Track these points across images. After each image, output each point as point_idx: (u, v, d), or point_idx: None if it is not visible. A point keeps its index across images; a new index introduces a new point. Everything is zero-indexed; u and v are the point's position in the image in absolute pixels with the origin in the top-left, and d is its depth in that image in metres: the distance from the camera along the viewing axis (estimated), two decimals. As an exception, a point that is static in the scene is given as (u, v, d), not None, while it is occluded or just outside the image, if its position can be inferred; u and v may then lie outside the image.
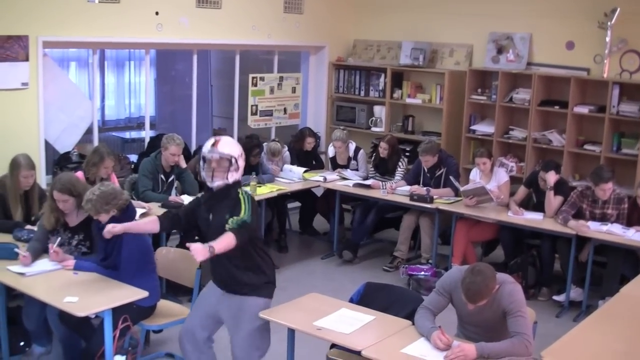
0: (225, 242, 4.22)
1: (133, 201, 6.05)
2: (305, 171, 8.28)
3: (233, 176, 4.43)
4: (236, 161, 4.43)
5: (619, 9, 7.74)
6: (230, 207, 4.39)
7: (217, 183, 4.42)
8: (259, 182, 7.60)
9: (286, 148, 8.61)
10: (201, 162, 4.50)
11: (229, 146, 4.46)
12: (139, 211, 6.01)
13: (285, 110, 9.61)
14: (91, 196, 4.75)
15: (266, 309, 4.53)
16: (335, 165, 8.72)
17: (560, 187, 7.03)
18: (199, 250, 4.11)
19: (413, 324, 4.31)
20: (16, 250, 5.04)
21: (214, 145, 4.43)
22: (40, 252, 5.15)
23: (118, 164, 6.99)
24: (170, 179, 7.10)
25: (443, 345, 3.99)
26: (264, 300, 4.56)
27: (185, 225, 4.85)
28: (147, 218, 4.89)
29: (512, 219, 7.02)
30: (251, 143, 7.68)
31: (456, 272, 4.31)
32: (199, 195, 4.79)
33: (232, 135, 9.21)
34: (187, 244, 4.22)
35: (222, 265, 4.51)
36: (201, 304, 4.73)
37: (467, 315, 4.29)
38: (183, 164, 7.07)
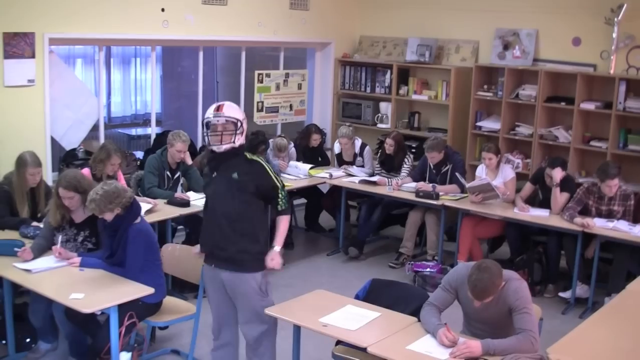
0: (283, 230, 4.65)
1: (139, 197, 6.07)
2: (311, 168, 8.28)
3: (239, 139, 4.48)
4: (241, 124, 4.47)
5: (625, 5, 7.71)
6: (239, 168, 4.47)
7: (225, 147, 4.46)
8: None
9: (292, 144, 8.60)
10: (204, 128, 4.52)
11: (234, 110, 4.50)
12: (145, 207, 6.03)
13: (291, 106, 9.61)
14: (94, 196, 4.75)
15: (263, 280, 4.59)
16: (341, 161, 8.72)
17: (567, 184, 7.02)
18: (277, 260, 4.57)
19: (419, 320, 4.31)
20: (15, 249, 5.05)
21: (218, 109, 4.47)
22: (45, 248, 5.16)
23: (125, 161, 6.99)
24: (176, 175, 7.11)
25: (449, 342, 3.98)
26: (259, 274, 4.59)
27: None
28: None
29: (518, 216, 7.00)
30: (257, 139, 7.67)
31: (462, 268, 4.31)
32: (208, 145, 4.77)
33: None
34: (267, 263, 4.54)
35: (219, 230, 4.53)
36: (215, 296, 4.74)
37: (473, 312, 4.29)
38: (189, 161, 7.08)
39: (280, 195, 4.57)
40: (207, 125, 4.48)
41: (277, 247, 4.58)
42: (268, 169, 4.55)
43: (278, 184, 4.56)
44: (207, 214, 4.67)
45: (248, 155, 4.56)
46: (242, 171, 4.48)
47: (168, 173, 7.04)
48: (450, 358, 3.88)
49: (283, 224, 4.65)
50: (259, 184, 4.50)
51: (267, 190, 4.54)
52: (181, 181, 7.26)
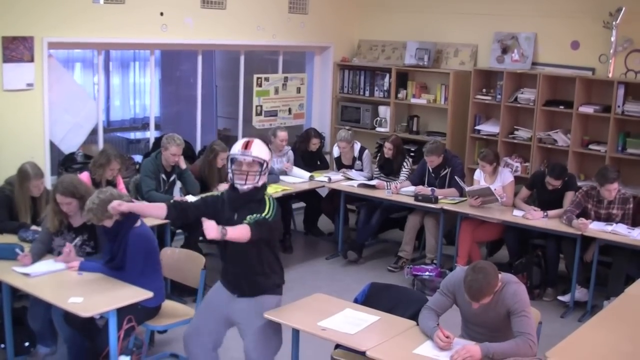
0: (240, 231, 4.19)
1: (137, 202, 6.05)
2: (310, 176, 8.25)
3: (263, 180, 4.43)
4: (267, 165, 4.43)
5: (624, 9, 7.73)
6: (256, 208, 4.38)
7: (248, 186, 4.39)
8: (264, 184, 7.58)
9: (290, 148, 8.60)
10: (229, 163, 4.45)
11: (262, 150, 4.43)
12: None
13: (290, 110, 9.61)
14: (91, 205, 4.75)
15: (277, 306, 4.55)
16: (340, 165, 8.71)
17: (570, 182, 7.12)
18: (212, 228, 4.06)
19: (418, 324, 4.31)
20: (17, 250, 5.05)
21: (246, 147, 4.39)
22: (43, 252, 5.17)
23: (124, 166, 6.98)
24: (172, 178, 7.12)
25: (444, 343, 3.99)
26: (276, 298, 4.57)
27: (193, 218, 4.56)
28: (156, 204, 4.79)
29: (517, 219, 7.00)
30: None
31: (460, 272, 4.31)
32: (218, 193, 4.71)
33: (236, 136, 9.22)
34: (203, 219, 4.14)
35: (237, 267, 4.49)
36: (210, 307, 4.69)
37: (471, 316, 4.29)
38: (183, 165, 7.06)
39: (256, 214, 4.31)
40: (232, 161, 4.42)
41: (222, 227, 4.12)
42: (269, 203, 4.41)
43: (266, 213, 4.35)
44: (226, 252, 4.55)
45: (267, 195, 4.48)
46: (256, 213, 4.37)
47: (163, 176, 7.05)
48: (450, 362, 3.89)
49: (243, 228, 4.21)
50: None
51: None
52: (179, 185, 7.27)
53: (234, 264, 4.50)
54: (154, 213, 4.64)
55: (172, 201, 4.76)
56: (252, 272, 4.47)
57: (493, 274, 4.07)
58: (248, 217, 4.28)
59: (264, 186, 4.50)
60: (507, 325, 4.11)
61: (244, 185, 4.38)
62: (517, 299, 4.09)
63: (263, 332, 4.49)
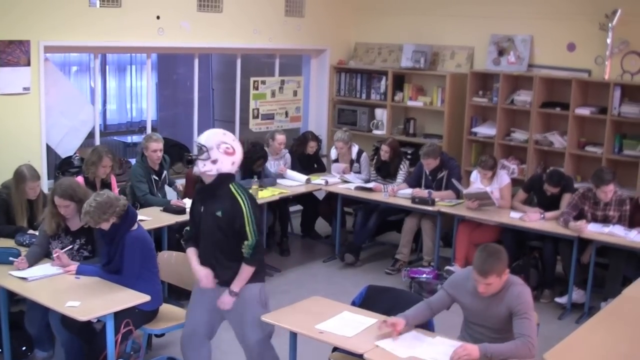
0: (244, 276, 4.48)
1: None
2: (307, 179, 8.25)
3: (204, 166, 4.41)
4: (206, 150, 4.40)
5: (620, 11, 7.74)
6: (223, 204, 4.43)
7: (194, 170, 4.51)
8: (261, 186, 7.60)
9: (287, 150, 8.60)
10: None
11: (206, 135, 4.49)
12: (141, 217, 6.00)
13: (286, 113, 9.61)
14: (88, 208, 4.75)
15: (262, 292, 4.60)
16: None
17: (567, 185, 7.13)
18: (226, 302, 4.50)
19: (416, 326, 4.32)
20: (10, 258, 5.04)
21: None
22: (40, 256, 5.16)
23: (117, 164, 6.98)
24: (163, 176, 7.15)
25: (384, 329, 4.13)
26: (257, 285, 4.58)
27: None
28: (189, 254, 4.73)
29: (514, 221, 7.01)
30: (256, 154, 7.66)
31: (464, 270, 4.35)
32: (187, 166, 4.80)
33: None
34: (218, 302, 4.51)
35: (213, 257, 4.53)
36: (200, 302, 4.70)
37: (472, 314, 4.30)
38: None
39: (246, 244, 4.42)
40: None
41: (229, 292, 4.49)
42: (246, 215, 4.41)
43: (250, 231, 4.41)
44: (201, 242, 4.60)
45: (233, 189, 4.46)
46: (225, 209, 4.43)
47: (154, 176, 7.07)
48: (448, 362, 3.90)
49: (244, 272, 4.47)
50: (238, 223, 4.43)
51: (241, 232, 4.43)
52: (177, 186, 7.28)
53: (209, 253, 4.54)
54: (196, 256, 4.68)
55: (188, 239, 4.78)
56: (228, 259, 4.50)
57: (503, 253, 4.13)
58: (244, 250, 4.43)
59: (226, 178, 4.47)
60: (508, 326, 4.12)
61: (194, 170, 4.52)
62: (521, 301, 4.10)
63: (250, 321, 4.53)
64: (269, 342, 4.65)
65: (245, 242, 4.42)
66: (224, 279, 4.54)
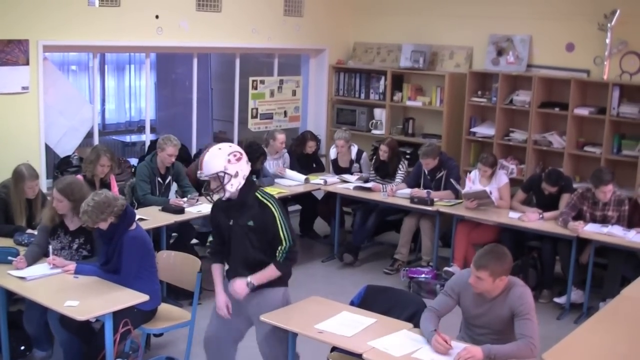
0: (268, 275, 4.44)
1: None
2: (306, 179, 8.25)
3: (233, 185, 4.39)
4: (225, 173, 4.36)
5: (618, 11, 7.75)
6: (253, 213, 4.41)
7: (225, 197, 4.43)
8: (260, 185, 7.58)
9: (286, 150, 8.60)
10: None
11: (210, 164, 4.39)
12: (139, 216, 6.00)
13: (285, 113, 9.61)
14: (86, 208, 4.75)
15: (285, 296, 4.61)
16: (337, 168, 8.70)
17: (566, 185, 7.14)
18: (241, 289, 4.40)
19: (414, 326, 4.31)
20: (9, 258, 5.04)
21: (200, 169, 4.42)
22: (39, 255, 5.16)
23: (116, 163, 6.97)
24: (167, 180, 7.12)
25: (441, 347, 3.99)
26: (280, 290, 4.59)
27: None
28: (215, 271, 4.69)
29: (512, 221, 7.01)
30: (255, 153, 7.63)
31: (465, 273, 4.35)
32: (212, 202, 4.67)
33: (232, 139, 9.21)
34: (231, 282, 4.45)
35: (243, 269, 4.49)
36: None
37: (474, 317, 4.30)
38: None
39: (281, 249, 4.44)
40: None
41: (247, 282, 4.43)
42: (279, 220, 4.42)
43: (284, 236, 4.43)
44: (231, 255, 4.57)
45: (260, 195, 4.47)
46: (256, 218, 4.41)
47: (159, 179, 7.05)
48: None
49: (269, 272, 4.45)
50: (271, 230, 4.43)
51: (274, 238, 4.44)
52: (175, 187, 7.26)
53: (239, 266, 4.51)
54: (221, 278, 4.67)
55: (214, 253, 4.75)
56: (256, 265, 4.47)
57: (507, 257, 4.16)
58: (278, 254, 4.43)
59: (249, 187, 4.47)
60: (509, 327, 4.13)
61: (222, 197, 4.44)
62: (523, 302, 4.10)
63: (272, 327, 4.49)
64: (285, 350, 4.59)
65: (280, 247, 4.43)
66: (253, 289, 4.50)
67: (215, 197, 4.49)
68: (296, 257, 4.56)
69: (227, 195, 4.41)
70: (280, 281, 4.57)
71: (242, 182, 4.43)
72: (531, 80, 8.26)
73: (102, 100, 12.07)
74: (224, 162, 4.38)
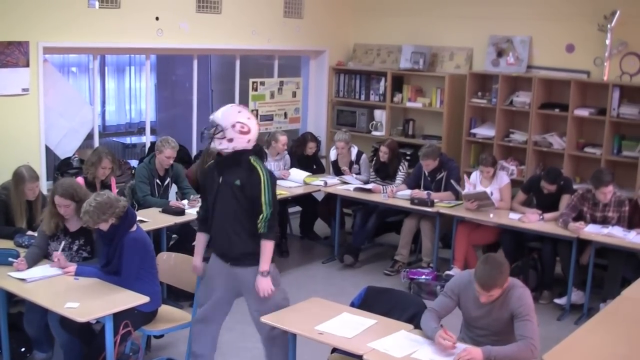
0: (267, 252, 4.54)
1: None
2: (307, 176, 8.26)
3: (222, 144, 4.51)
4: (222, 130, 4.50)
5: (618, 12, 7.75)
6: (241, 174, 4.52)
7: (220, 148, 4.56)
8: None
9: (287, 151, 8.60)
10: None
11: (220, 113, 4.59)
12: (140, 218, 6.00)
13: (285, 114, 9.61)
14: (88, 207, 4.74)
15: (275, 271, 4.65)
16: (337, 169, 8.70)
17: (566, 185, 7.13)
18: (264, 286, 4.53)
19: (415, 327, 4.31)
20: (10, 259, 5.04)
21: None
22: (39, 257, 5.15)
23: (117, 165, 6.98)
24: (166, 182, 7.13)
25: (446, 342, 3.99)
26: (271, 266, 4.62)
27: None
28: (197, 239, 4.91)
29: (513, 222, 7.01)
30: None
31: (465, 274, 4.35)
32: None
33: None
34: (255, 285, 4.53)
35: (224, 233, 4.60)
36: (212, 278, 4.78)
37: (474, 319, 4.30)
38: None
39: (262, 218, 4.51)
40: None
41: (261, 274, 4.53)
42: (264, 185, 4.52)
43: (265, 205, 4.51)
44: (214, 218, 4.68)
45: (252, 159, 4.57)
46: (243, 178, 4.53)
47: (158, 181, 7.05)
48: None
49: (266, 249, 4.55)
50: (254, 194, 4.52)
51: (257, 203, 4.52)
52: (175, 189, 7.26)
53: (221, 229, 4.62)
54: (203, 245, 4.88)
55: (201, 220, 4.89)
56: (239, 236, 4.57)
57: (505, 265, 4.14)
58: (259, 225, 4.50)
59: (245, 152, 4.56)
60: (509, 329, 4.13)
61: (216, 146, 4.58)
62: (522, 303, 4.11)
63: (266, 302, 4.57)
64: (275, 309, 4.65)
65: (260, 216, 4.50)
66: (235, 256, 4.60)
67: (213, 144, 4.58)
68: (275, 225, 4.63)
69: (223, 147, 4.53)
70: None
71: (231, 150, 4.54)
72: (531, 81, 8.26)
73: (103, 102, 12.08)
74: (229, 123, 4.53)
